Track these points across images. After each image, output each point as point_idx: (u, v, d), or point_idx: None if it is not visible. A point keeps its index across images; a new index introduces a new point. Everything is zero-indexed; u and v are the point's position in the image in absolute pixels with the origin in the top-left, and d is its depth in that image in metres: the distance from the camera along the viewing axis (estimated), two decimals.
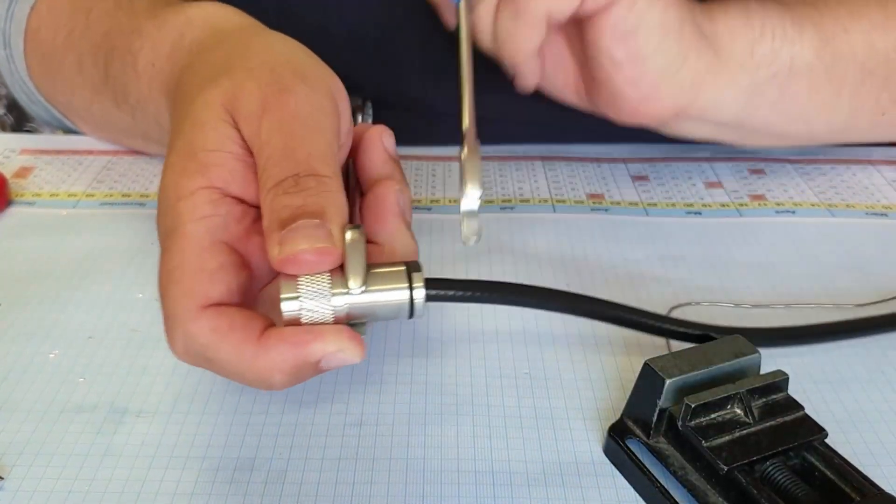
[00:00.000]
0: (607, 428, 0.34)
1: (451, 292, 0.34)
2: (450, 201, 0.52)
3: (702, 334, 0.36)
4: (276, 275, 0.33)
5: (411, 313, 0.32)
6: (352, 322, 0.32)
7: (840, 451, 0.31)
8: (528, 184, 0.54)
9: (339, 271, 0.31)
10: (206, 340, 0.31)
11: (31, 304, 0.42)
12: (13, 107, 0.59)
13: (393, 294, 0.32)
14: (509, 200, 0.52)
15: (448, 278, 0.34)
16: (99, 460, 0.33)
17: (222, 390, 0.37)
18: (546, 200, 0.52)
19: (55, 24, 0.52)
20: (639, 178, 0.55)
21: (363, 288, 0.31)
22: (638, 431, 0.33)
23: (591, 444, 0.34)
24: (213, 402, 0.36)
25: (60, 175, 0.54)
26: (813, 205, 0.52)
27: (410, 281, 0.32)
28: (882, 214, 0.51)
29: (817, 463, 0.31)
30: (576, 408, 0.36)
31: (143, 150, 0.55)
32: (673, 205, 0.52)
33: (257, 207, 0.34)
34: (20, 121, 0.63)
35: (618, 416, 0.34)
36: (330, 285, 0.31)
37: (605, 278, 0.44)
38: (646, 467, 0.32)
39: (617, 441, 0.33)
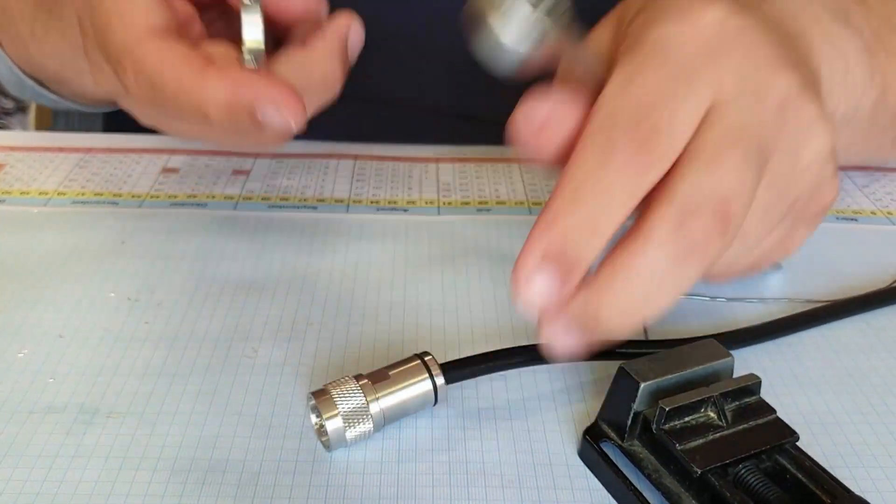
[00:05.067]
0: (582, 431, 0.34)
1: (467, 370, 0.36)
2: (426, 203, 0.52)
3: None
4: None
5: (436, 400, 0.34)
6: (388, 421, 0.34)
7: (811, 454, 0.32)
8: (505, 186, 0.54)
9: (365, 379, 0.34)
10: (153, 66, 0.32)
11: (0, 302, 0.41)
12: None
13: (417, 387, 0.34)
14: (485, 202, 0.52)
15: (461, 358, 0.36)
16: (68, 461, 0.33)
17: (195, 390, 0.37)
18: (522, 203, 0.52)
19: None
20: None
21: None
22: (612, 434, 0.33)
23: (565, 446, 0.35)
24: (185, 403, 0.36)
25: (31, 172, 0.53)
26: None
27: (429, 370, 0.34)
28: (852, 219, 0.52)
29: (789, 466, 0.31)
30: (551, 410, 0.36)
31: (77, 71, 0.49)
32: None
33: None
34: None
35: (592, 418, 0.35)
36: (361, 390, 0.33)
37: None
38: (620, 470, 0.32)
39: (591, 444, 0.33)
